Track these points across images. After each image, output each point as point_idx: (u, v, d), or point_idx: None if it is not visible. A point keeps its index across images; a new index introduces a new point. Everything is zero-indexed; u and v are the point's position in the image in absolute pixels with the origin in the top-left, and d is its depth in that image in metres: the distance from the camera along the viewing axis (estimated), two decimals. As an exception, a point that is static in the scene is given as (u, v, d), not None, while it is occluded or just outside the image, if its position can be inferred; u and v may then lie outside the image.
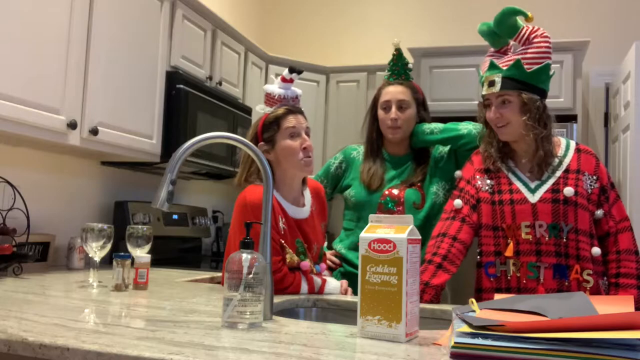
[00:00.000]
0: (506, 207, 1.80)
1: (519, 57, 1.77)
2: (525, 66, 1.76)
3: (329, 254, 2.19)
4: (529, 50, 1.78)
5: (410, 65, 2.24)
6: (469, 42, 3.63)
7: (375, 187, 2.13)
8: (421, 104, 2.19)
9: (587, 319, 0.91)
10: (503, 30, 1.84)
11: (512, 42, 1.90)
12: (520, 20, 1.83)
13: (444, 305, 1.71)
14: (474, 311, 1.10)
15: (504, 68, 1.78)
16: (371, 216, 1.22)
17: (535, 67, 1.76)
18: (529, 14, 1.79)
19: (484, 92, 1.82)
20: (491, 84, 1.79)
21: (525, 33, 1.81)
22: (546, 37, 1.79)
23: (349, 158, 2.26)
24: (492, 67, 1.81)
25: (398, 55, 2.23)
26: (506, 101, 1.78)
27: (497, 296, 1.30)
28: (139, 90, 2.50)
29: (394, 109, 2.12)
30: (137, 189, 3.03)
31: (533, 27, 1.81)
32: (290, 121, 1.80)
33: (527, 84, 1.77)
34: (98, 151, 2.35)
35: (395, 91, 2.15)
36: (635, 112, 2.99)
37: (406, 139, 2.18)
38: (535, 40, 1.78)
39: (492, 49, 1.93)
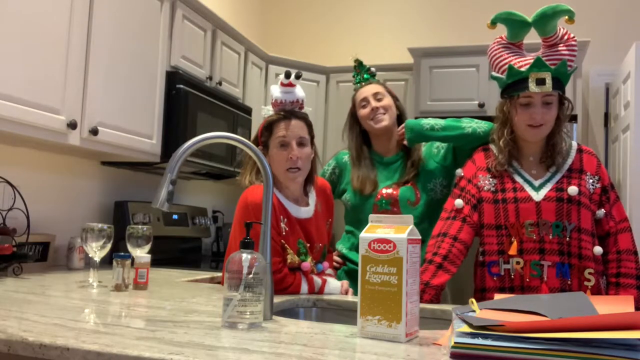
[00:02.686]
0: (510, 206, 1.80)
1: (565, 57, 1.77)
2: (568, 67, 1.78)
3: (332, 254, 2.20)
4: (571, 52, 1.79)
5: (372, 70, 2.31)
6: (469, 42, 3.63)
7: (369, 191, 2.15)
8: (395, 97, 2.24)
9: (587, 319, 0.91)
10: (544, 26, 1.80)
11: (525, 41, 1.89)
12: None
13: (444, 305, 1.71)
14: (474, 311, 1.10)
15: (552, 67, 1.76)
16: (371, 216, 1.22)
17: (570, 69, 1.79)
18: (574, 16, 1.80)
19: (533, 89, 1.74)
20: (541, 82, 1.74)
21: (559, 34, 1.81)
22: (576, 40, 1.82)
23: (341, 163, 2.29)
24: (540, 64, 1.76)
25: (358, 65, 2.32)
26: (550, 102, 1.77)
27: (497, 296, 1.30)
28: (139, 90, 2.50)
29: (371, 99, 2.18)
30: (137, 189, 3.03)
31: (564, 29, 1.82)
32: (281, 129, 1.77)
33: (563, 84, 1.79)
34: (98, 151, 2.35)
35: (367, 88, 2.23)
36: (635, 112, 2.99)
37: (393, 137, 2.19)
38: (572, 43, 1.80)
39: (500, 39, 1.89)
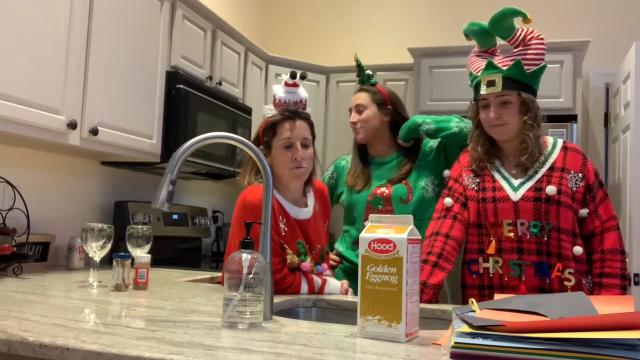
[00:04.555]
0: (489, 205, 1.82)
1: (519, 57, 1.77)
2: (525, 67, 1.77)
3: (330, 254, 2.22)
4: (529, 52, 1.79)
5: (368, 72, 2.36)
6: (468, 42, 3.62)
7: (361, 188, 2.21)
8: (383, 103, 2.26)
9: (587, 319, 0.91)
10: (499, 30, 1.83)
11: (498, 43, 1.91)
12: (515, 21, 1.83)
13: (444, 305, 1.71)
14: (474, 311, 1.10)
15: (504, 68, 1.78)
16: (371, 216, 1.23)
17: (534, 68, 1.78)
18: (528, 15, 1.79)
19: (483, 92, 1.81)
20: (491, 83, 1.79)
21: (521, 34, 1.82)
22: (542, 39, 1.81)
23: (339, 168, 2.36)
24: (491, 67, 1.80)
25: (358, 66, 2.37)
26: (506, 102, 1.78)
27: (497, 296, 1.30)
28: (139, 90, 2.50)
29: (353, 112, 2.26)
30: (137, 189, 3.03)
31: (528, 29, 1.82)
32: (285, 130, 1.77)
33: (525, 84, 1.78)
34: (98, 151, 2.35)
35: (355, 97, 2.30)
36: (635, 112, 2.99)
37: (383, 141, 2.25)
38: (533, 42, 1.79)
39: (476, 49, 1.94)
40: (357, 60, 2.37)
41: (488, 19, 1.89)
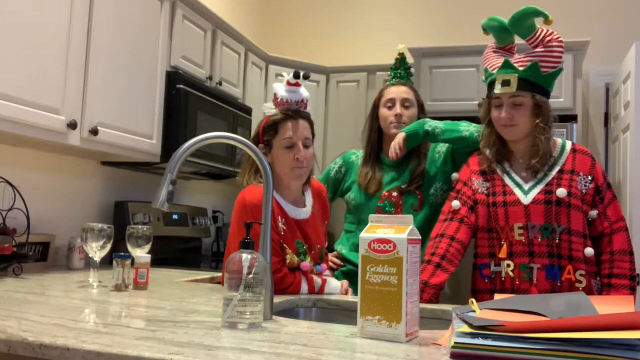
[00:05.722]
0: (499, 209, 1.81)
1: (537, 59, 1.75)
2: (542, 69, 1.75)
3: (330, 255, 2.20)
4: (548, 54, 1.76)
5: (412, 70, 2.29)
6: (469, 42, 3.63)
7: (373, 191, 2.16)
8: (421, 107, 2.23)
9: (587, 319, 0.91)
10: (519, 29, 1.81)
11: (516, 41, 1.89)
12: (535, 21, 1.82)
13: (444, 305, 1.71)
14: (474, 311, 1.10)
15: (520, 68, 1.76)
16: (371, 216, 1.22)
17: (550, 70, 1.77)
18: (550, 16, 1.78)
19: (497, 91, 1.78)
20: (505, 83, 1.76)
21: (540, 35, 1.79)
22: (561, 41, 1.79)
23: (348, 162, 2.29)
24: (507, 66, 1.78)
25: (401, 59, 2.28)
26: (519, 103, 1.76)
27: (497, 296, 1.30)
28: (139, 90, 2.50)
29: (398, 105, 2.16)
30: (137, 189, 3.03)
31: (548, 30, 1.80)
32: (288, 130, 1.76)
33: (539, 86, 1.77)
34: (98, 151, 2.35)
35: (399, 90, 2.20)
36: (635, 112, 2.99)
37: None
38: (553, 44, 1.77)
39: (493, 45, 1.92)
40: (401, 53, 2.29)
41: (489, 18, 1.89)
